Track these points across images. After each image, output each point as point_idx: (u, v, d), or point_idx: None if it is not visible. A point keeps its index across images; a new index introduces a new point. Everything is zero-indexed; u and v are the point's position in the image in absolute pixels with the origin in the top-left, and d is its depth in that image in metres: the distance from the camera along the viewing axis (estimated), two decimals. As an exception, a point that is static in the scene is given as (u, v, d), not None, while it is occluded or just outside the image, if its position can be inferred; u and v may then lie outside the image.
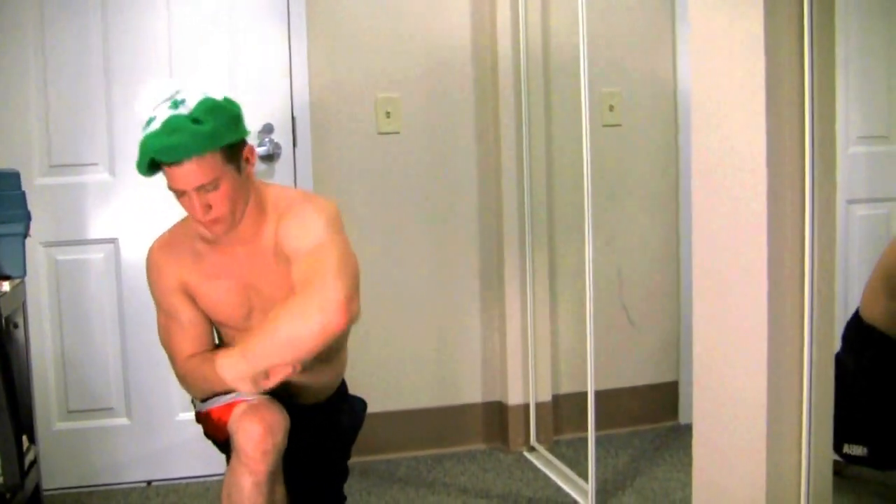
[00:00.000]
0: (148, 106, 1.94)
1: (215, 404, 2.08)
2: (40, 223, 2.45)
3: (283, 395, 2.06)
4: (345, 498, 2.43)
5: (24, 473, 2.24)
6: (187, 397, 2.24)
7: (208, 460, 2.77)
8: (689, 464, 2.14)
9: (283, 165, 3.11)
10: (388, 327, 3.31)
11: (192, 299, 2.12)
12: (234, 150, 1.97)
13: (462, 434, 3.42)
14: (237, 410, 2.00)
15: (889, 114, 2.97)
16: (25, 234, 2.37)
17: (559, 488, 3.04)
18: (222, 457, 2.19)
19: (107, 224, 3.04)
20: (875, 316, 2.66)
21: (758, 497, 1.89)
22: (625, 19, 3.41)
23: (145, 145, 1.91)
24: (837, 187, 1.87)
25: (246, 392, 1.97)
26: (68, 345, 3.05)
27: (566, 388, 3.43)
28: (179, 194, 1.96)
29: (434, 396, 3.39)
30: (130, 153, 2.98)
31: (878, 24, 2.93)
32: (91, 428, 3.07)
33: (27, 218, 2.37)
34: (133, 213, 3.02)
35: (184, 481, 3.10)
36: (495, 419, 3.43)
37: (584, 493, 2.92)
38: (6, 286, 2.35)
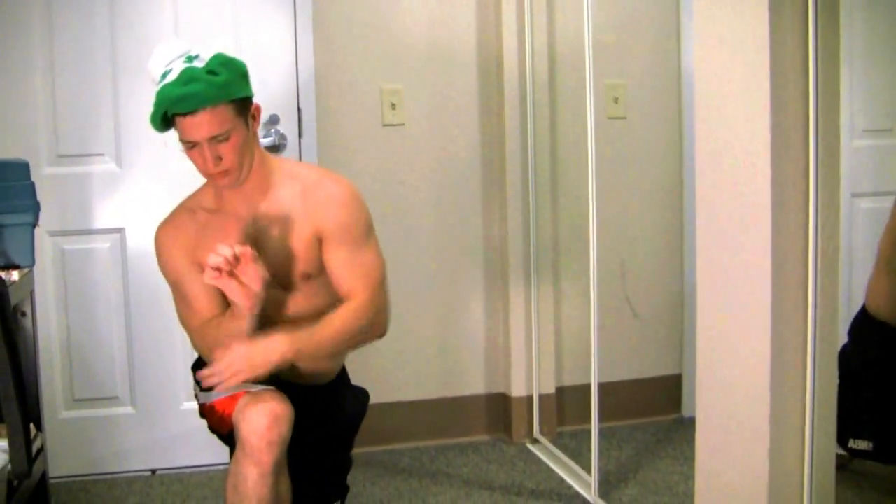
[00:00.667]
0: (161, 63, 1.99)
1: (219, 396, 2.09)
2: (47, 212, 2.46)
3: (279, 378, 2.07)
4: (348, 488, 2.44)
5: (31, 461, 2.25)
6: (192, 387, 2.25)
7: (212, 450, 2.79)
8: (692, 457, 2.14)
9: (288, 156, 3.11)
10: (392, 318, 3.30)
11: (201, 268, 2.13)
12: (244, 105, 2.03)
13: (465, 425, 3.42)
14: (241, 402, 2.01)
15: (894, 107, 2.95)
16: (34, 224, 2.38)
17: (562, 480, 3.05)
18: (226, 447, 2.20)
19: (113, 214, 3.05)
20: (881, 307, 2.65)
21: (760, 490, 1.89)
22: (630, 10, 3.41)
23: (162, 95, 1.96)
24: (841, 180, 1.86)
25: (249, 383, 1.98)
26: (74, 334, 3.06)
27: (570, 380, 3.43)
28: (190, 146, 2.00)
29: (438, 387, 3.40)
30: (137, 144, 3.03)
31: (884, 17, 2.91)
32: (96, 416, 3.09)
33: (36, 208, 2.38)
34: (139, 203, 3.03)
35: (188, 470, 3.12)
36: (499, 410, 3.44)
37: (587, 485, 2.92)
38: (15, 275, 2.36)
